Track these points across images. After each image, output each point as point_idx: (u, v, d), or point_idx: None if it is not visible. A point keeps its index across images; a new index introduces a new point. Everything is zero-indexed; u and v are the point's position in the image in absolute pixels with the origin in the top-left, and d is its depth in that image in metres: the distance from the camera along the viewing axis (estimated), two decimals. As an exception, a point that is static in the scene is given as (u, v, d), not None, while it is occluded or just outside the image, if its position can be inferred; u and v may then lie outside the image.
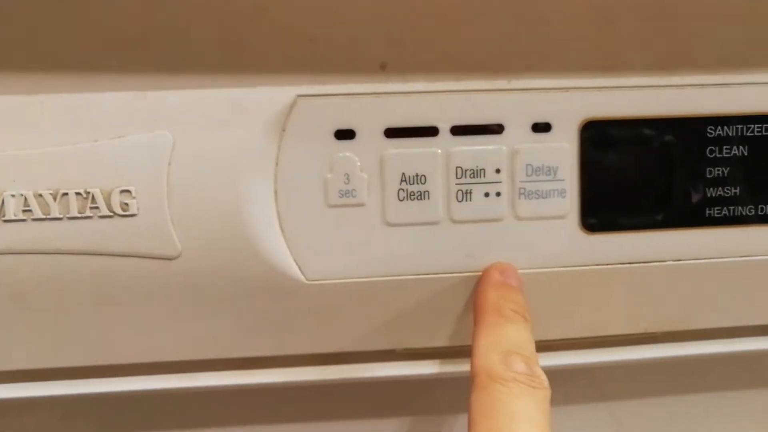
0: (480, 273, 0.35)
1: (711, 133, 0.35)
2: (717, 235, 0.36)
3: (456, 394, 0.40)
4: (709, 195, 0.35)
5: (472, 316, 0.34)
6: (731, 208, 0.36)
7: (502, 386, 0.29)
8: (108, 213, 0.32)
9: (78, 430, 0.39)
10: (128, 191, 0.32)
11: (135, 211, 0.32)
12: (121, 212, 0.32)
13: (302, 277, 0.34)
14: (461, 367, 0.37)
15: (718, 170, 0.35)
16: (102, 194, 0.32)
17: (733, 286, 0.37)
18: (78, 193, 0.32)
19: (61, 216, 0.32)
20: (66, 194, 0.32)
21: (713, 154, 0.35)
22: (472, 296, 0.35)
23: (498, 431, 0.28)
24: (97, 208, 0.32)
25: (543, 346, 0.38)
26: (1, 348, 0.34)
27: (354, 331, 0.36)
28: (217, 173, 0.33)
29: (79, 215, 0.32)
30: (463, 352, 0.37)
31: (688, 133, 0.35)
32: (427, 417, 0.41)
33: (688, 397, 0.43)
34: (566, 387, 0.41)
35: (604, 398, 0.42)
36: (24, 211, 0.32)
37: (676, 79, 0.35)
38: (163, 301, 0.34)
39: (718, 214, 0.36)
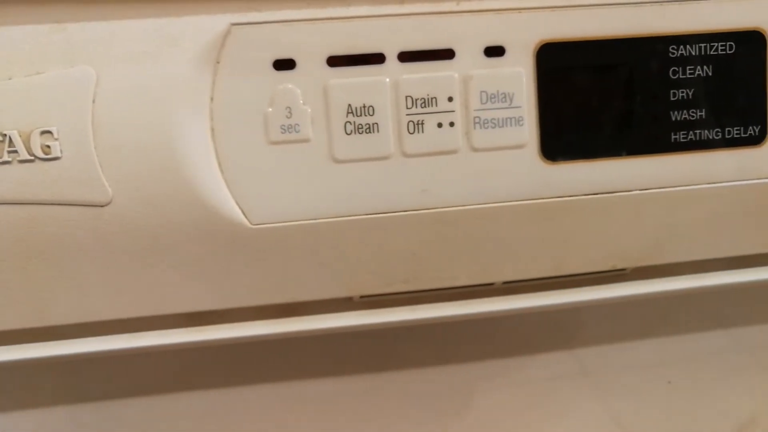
0: (437, 210, 0.32)
1: (673, 53, 0.33)
2: (683, 162, 0.34)
3: (421, 345, 0.38)
4: (673, 119, 0.34)
5: (434, 257, 0.32)
6: (697, 132, 0.34)
7: None
8: (28, 157, 0.30)
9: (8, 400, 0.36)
10: (49, 132, 0.30)
11: (58, 154, 0.30)
12: (43, 155, 0.30)
13: (246, 221, 0.32)
14: (425, 313, 0.35)
15: (682, 92, 0.33)
16: (21, 136, 0.30)
17: (702, 215, 0.35)
18: (-6, 136, 0.29)
19: (-24, 162, 0.29)
20: (-20, 138, 0.29)
21: (676, 75, 0.33)
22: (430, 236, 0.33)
23: None
24: (15, 152, 0.30)
25: (504, 289, 0.36)
26: None
27: (305, 279, 0.33)
28: (148, 111, 0.30)
29: (-3, 160, 0.30)
30: (427, 297, 0.35)
31: (650, 53, 0.33)
32: (391, 372, 0.39)
33: (658, 341, 0.41)
34: (531, 333, 0.39)
35: (571, 346, 0.40)
36: (-66, 157, 0.29)
37: (634, -4, 0.33)
38: (96, 252, 0.31)
39: (683, 138, 0.34)
